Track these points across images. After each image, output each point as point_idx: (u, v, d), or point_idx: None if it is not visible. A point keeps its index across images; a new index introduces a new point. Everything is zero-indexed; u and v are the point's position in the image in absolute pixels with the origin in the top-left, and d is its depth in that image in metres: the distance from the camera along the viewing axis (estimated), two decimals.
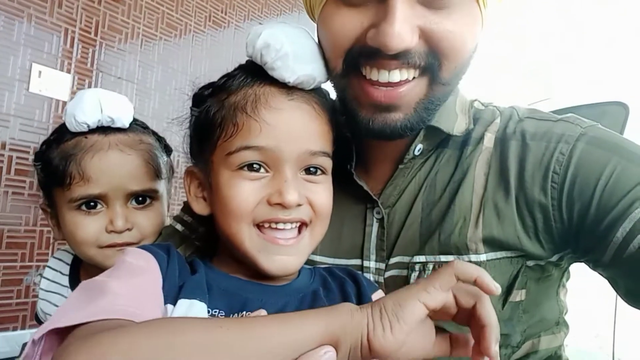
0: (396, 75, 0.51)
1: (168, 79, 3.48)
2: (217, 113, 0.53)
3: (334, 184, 0.59)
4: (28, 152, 2.82)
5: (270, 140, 0.51)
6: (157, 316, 0.44)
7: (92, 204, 0.70)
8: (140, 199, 0.73)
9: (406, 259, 0.58)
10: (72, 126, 0.69)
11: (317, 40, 0.58)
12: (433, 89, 0.54)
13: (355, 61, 0.53)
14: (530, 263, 0.56)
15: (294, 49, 0.52)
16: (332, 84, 0.60)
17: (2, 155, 2.72)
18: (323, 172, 0.55)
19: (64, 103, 2.99)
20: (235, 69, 0.57)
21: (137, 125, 0.75)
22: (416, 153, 0.60)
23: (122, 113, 0.71)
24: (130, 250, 0.52)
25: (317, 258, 0.63)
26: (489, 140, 0.59)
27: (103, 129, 0.70)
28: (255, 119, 0.51)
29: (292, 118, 0.52)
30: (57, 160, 0.70)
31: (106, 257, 0.69)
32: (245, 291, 0.53)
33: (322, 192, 0.55)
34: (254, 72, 0.55)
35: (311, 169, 0.54)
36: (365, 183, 0.62)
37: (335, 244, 0.62)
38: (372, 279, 0.60)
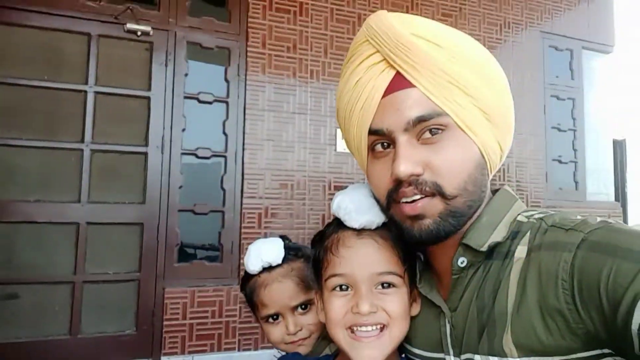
0: (415, 197, 0.68)
1: None
2: (320, 253, 0.80)
3: (423, 294, 0.77)
4: None
5: (347, 268, 0.74)
6: None
7: (273, 317, 1.02)
8: (303, 307, 1.01)
9: (471, 355, 0.70)
10: (249, 271, 1.05)
11: None
12: (447, 202, 0.68)
13: (392, 195, 0.71)
14: None
15: (355, 206, 0.76)
16: (388, 219, 0.77)
17: (324, 202, 3.42)
18: (394, 286, 0.75)
19: None
20: (332, 220, 0.83)
21: (290, 255, 1.05)
22: (460, 265, 0.72)
23: (274, 257, 1.02)
24: None
25: (416, 350, 0.80)
26: (520, 252, 0.68)
27: (267, 269, 1.02)
28: (337, 256, 0.76)
29: (360, 252, 0.75)
30: (247, 293, 1.07)
31: (290, 348, 1.00)
32: None
33: (392, 301, 0.74)
34: (339, 222, 0.79)
35: (384, 284, 0.74)
36: (439, 289, 0.78)
37: (425, 339, 0.78)
38: None
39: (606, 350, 0.60)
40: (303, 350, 0.97)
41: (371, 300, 0.72)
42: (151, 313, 2.98)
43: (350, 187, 0.81)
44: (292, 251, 1.06)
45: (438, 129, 0.68)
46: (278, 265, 1.02)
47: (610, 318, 0.55)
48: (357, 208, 0.76)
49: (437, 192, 0.67)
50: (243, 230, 3.20)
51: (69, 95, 2.97)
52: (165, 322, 2.96)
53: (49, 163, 2.94)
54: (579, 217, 0.67)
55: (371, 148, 0.74)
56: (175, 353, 2.96)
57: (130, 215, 3.02)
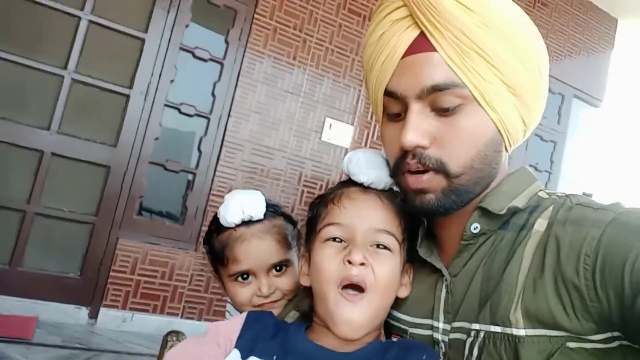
0: (419, 169, 0.66)
1: None
2: (320, 208, 0.75)
3: (419, 261, 0.75)
4: (315, 188, 3.41)
5: (347, 218, 0.70)
6: None
7: (244, 276, 0.93)
8: (278, 267, 0.94)
9: (466, 324, 0.67)
10: (224, 224, 0.94)
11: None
12: (451, 180, 0.66)
13: (399, 165, 0.69)
14: (572, 345, 0.59)
15: (367, 161, 0.75)
16: (396, 184, 0.75)
17: (297, 189, 3.37)
18: (388, 249, 0.70)
19: (346, 150, 3.51)
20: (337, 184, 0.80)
21: (270, 212, 0.97)
22: (473, 231, 0.70)
23: (257, 210, 0.93)
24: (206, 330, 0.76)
25: (401, 316, 0.77)
26: (540, 224, 0.66)
27: (246, 223, 0.93)
28: (338, 206, 0.72)
29: (363, 204, 0.72)
30: (217, 247, 0.95)
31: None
32: (312, 355, 0.68)
33: (383, 263, 0.69)
34: (345, 182, 0.77)
35: (379, 245, 0.70)
36: (440, 257, 0.75)
37: (416, 304, 0.75)
38: (439, 338, 0.71)
39: (615, 334, 0.58)
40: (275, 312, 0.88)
41: (364, 252, 0.68)
42: (99, 261, 2.86)
43: (362, 150, 0.80)
44: (271, 207, 0.98)
45: (453, 101, 0.64)
46: (258, 220, 0.94)
47: (629, 301, 0.53)
48: (368, 163, 0.75)
49: (440, 169, 0.65)
50: (211, 197, 3.11)
51: (61, 17, 2.79)
52: (112, 273, 2.85)
53: (25, 82, 2.76)
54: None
55: (386, 110, 0.71)
56: (116, 307, 2.86)
57: (99, 156, 2.88)
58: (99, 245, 2.87)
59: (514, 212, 0.69)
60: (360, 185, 0.74)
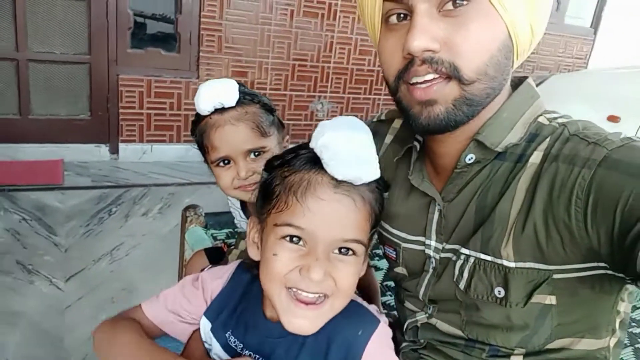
0: (429, 76, 0.61)
1: None
2: (277, 186, 0.64)
3: (411, 185, 0.75)
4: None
5: (310, 224, 0.60)
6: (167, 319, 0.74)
7: (225, 161, 0.97)
8: (256, 153, 0.97)
9: (457, 247, 0.70)
10: (200, 112, 0.97)
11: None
12: (464, 88, 0.62)
13: (402, 75, 0.64)
14: (558, 276, 0.63)
15: (348, 153, 0.61)
16: (395, 103, 0.70)
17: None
18: (354, 254, 0.63)
19: None
20: (303, 149, 0.65)
21: (246, 99, 0.98)
22: (468, 161, 0.68)
23: (229, 98, 0.95)
24: (197, 276, 0.78)
25: (395, 231, 0.79)
26: (536, 157, 0.65)
27: (219, 110, 0.96)
28: (301, 204, 0.60)
29: (332, 209, 0.61)
30: (197, 136, 1.00)
31: (239, 194, 1.00)
32: (266, 331, 0.68)
33: (346, 272, 0.62)
34: (314, 160, 0.63)
35: (342, 249, 0.62)
36: (431, 182, 0.75)
37: (408, 222, 0.78)
38: (431, 254, 0.74)
39: (601, 264, 0.61)
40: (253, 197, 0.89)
41: (326, 267, 0.60)
42: (105, 99, 2.88)
43: (345, 123, 0.65)
44: (247, 96, 1.00)
45: None
46: (231, 108, 0.97)
47: (619, 239, 0.55)
48: (350, 157, 0.61)
49: (454, 74, 0.61)
50: (202, 20, 2.95)
51: None
52: (121, 110, 2.89)
53: None
54: (602, 130, 0.64)
55: (385, 19, 0.66)
56: (134, 141, 2.96)
57: None
58: (102, 84, 2.85)
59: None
60: (332, 178, 0.61)
